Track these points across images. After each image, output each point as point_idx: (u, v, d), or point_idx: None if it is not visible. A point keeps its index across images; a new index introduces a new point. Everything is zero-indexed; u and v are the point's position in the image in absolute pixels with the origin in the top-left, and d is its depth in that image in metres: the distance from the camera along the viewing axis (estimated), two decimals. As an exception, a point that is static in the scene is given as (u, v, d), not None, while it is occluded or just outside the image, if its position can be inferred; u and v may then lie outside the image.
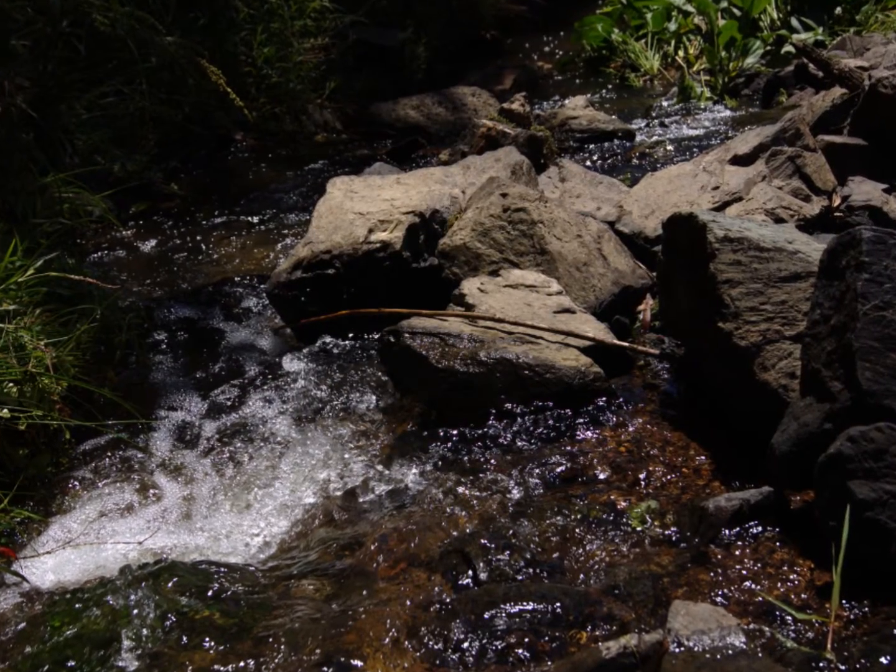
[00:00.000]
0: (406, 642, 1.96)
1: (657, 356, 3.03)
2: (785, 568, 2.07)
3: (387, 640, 1.97)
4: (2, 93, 3.74)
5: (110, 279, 4.20)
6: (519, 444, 2.68)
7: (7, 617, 2.23)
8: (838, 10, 7.06)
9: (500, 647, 1.91)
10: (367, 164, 5.09)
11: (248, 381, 3.35)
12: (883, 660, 1.74)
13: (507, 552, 2.20)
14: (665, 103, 6.75)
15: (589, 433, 2.69)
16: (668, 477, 2.47)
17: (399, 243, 3.53)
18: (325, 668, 1.91)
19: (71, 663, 2.01)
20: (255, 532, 2.58)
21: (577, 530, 2.29)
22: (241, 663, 1.96)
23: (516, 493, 2.46)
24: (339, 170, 5.72)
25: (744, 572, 2.07)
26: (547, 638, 1.92)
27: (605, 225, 3.65)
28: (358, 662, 1.92)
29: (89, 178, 4.34)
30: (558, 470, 2.54)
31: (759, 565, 2.08)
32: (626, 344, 3.04)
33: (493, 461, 2.62)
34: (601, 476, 2.50)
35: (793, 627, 1.89)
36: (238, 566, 2.36)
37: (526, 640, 1.91)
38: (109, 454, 2.96)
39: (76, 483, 2.83)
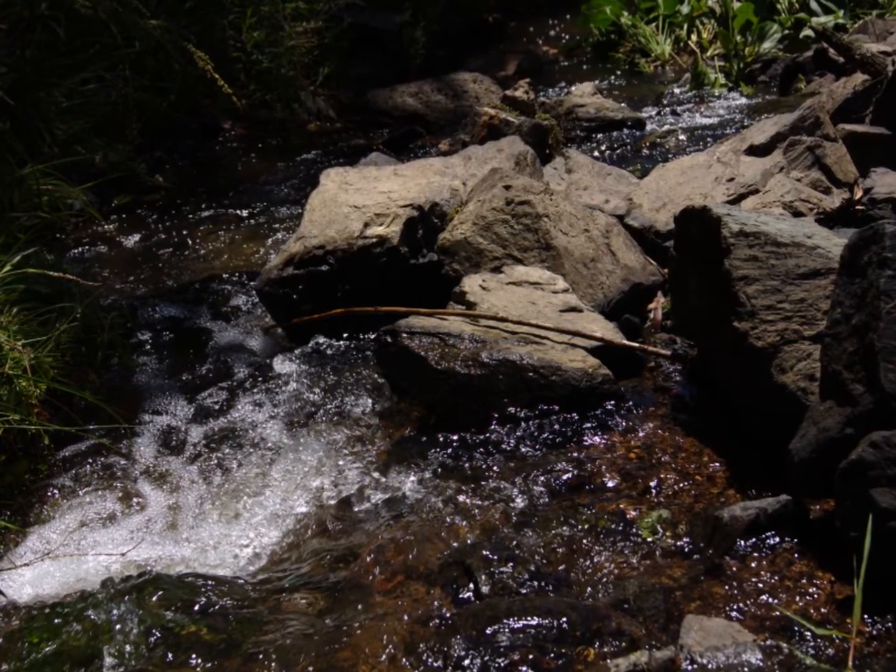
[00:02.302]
0: (403, 659, 1.96)
1: (669, 357, 3.03)
2: (804, 581, 2.07)
3: (383, 657, 1.97)
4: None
5: (91, 276, 4.21)
6: (523, 449, 2.68)
7: (-18, 633, 2.23)
8: (860, -9, 7.07)
9: (503, 664, 1.91)
10: (363, 154, 5.09)
11: (236, 384, 3.35)
12: (907, 678, 1.74)
13: (511, 564, 2.20)
14: (677, 90, 6.76)
15: (597, 438, 2.69)
16: (681, 485, 2.47)
17: (396, 238, 3.53)
18: (319, 687, 1.91)
19: (50, 681, 2.01)
20: (245, 543, 2.58)
21: (585, 541, 2.29)
22: (230, 681, 1.97)
23: (520, 502, 2.47)
24: (333, 160, 5.73)
25: (760, 585, 2.07)
26: (552, 655, 1.92)
27: (613, 219, 3.66)
28: (353, 680, 1.92)
29: (69, 169, 4.35)
30: (564, 477, 2.54)
31: (776, 578, 2.08)
32: (636, 344, 3.04)
33: (495, 468, 2.62)
34: (610, 484, 2.51)
35: (812, 643, 1.89)
36: (226, 579, 2.36)
37: (530, 657, 1.91)
38: (90, 461, 2.96)
39: (55, 491, 2.83)
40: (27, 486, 2.86)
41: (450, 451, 2.73)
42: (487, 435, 2.74)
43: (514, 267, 3.33)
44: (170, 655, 2.04)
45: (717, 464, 2.53)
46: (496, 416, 2.78)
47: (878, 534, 1.86)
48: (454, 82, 6.78)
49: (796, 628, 1.92)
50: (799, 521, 2.21)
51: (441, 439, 2.77)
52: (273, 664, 1.99)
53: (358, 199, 3.72)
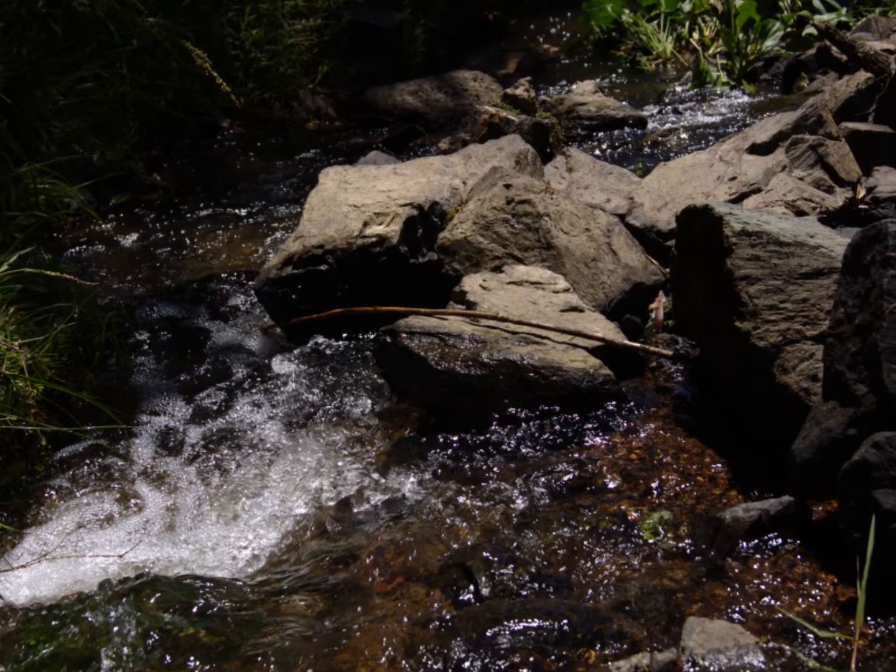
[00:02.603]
0: (403, 662, 1.96)
1: (670, 357, 3.03)
2: (806, 582, 2.07)
3: (383, 659, 1.97)
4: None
5: (89, 276, 4.20)
6: (523, 450, 2.68)
7: (-21, 635, 2.23)
8: (863, -11, 7.08)
9: (503, 666, 1.91)
10: (362, 153, 5.10)
11: (235, 384, 3.35)
12: (910, 680, 1.74)
13: (511, 566, 2.20)
14: (679, 88, 6.76)
15: (598, 439, 2.69)
16: (682, 486, 2.47)
17: (396, 237, 3.53)
18: (318, 689, 1.91)
19: (47, 684, 2.01)
20: (243, 544, 2.58)
21: (586, 543, 2.29)
22: (228, 684, 1.97)
23: (521, 503, 2.47)
24: (332, 159, 5.73)
25: (762, 587, 2.07)
26: (553, 657, 1.92)
27: (615, 218, 3.66)
28: (352, 683, 1.92)
29: (66, 168, 4.34)
30: (565, 478, 2.54)
31: (778, 580, 2.08)
32: (637, 344, 3.04)
33: (495, 469, 2.62)
34: (611, 485, 2.51)
35: (815, 645, 1.89)
36: (225, 581, 2.36)
37: (531, 659, 1.91)
38: (88, 461, 2.96)
39: (53, 492, 2.83)
40: (24, 487, 2.86)
41: (450, 451, 2.73)
42: (488, 436, 2.74)
43: (514, 266, 3.33)
44: (168, 658, 2.04)
45: (719, 464, 2.53)
46: (496, 416, 2.78)
47: (881, 535, 1.86)
48: (454, 80, 6.79)
49: (799, 630, 1.92)
50: (801, 522, 2.21)
51: (441, 440, 2.77)
52: (272, 666, 1.99)
53: (357, 199, 3.72)
